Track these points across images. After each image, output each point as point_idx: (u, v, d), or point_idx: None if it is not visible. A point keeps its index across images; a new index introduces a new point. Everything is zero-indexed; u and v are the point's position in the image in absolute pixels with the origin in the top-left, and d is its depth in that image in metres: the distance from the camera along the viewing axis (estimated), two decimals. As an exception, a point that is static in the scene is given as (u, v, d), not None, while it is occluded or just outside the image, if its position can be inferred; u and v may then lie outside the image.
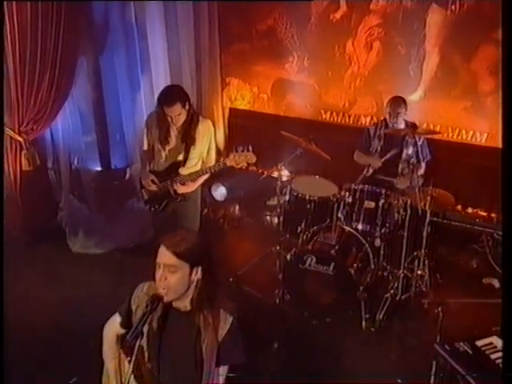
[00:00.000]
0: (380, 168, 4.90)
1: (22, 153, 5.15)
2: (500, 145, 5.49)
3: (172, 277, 2.03)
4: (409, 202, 4.42)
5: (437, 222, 4.89)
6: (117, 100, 5.55)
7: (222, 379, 2.12)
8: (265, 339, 4.04)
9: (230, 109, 6.98)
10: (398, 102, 4.77)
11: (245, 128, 6.71)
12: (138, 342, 1.98)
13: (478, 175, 5.57)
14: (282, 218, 4.88)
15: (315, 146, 4.53)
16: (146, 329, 2.07)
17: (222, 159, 4.02)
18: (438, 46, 5.59)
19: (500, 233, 5.32)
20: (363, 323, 4.28)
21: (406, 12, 5.60)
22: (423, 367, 3.29)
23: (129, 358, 2.16)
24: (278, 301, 4.48)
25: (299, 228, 4.70)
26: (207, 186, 5.89)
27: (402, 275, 4.52)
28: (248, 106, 6.81)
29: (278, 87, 6.53)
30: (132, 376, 2.08)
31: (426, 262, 4.68)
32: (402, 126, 4.77)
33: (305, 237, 4.61)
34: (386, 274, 4.72)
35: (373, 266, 4.47)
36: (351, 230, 4.47)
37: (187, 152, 4.17)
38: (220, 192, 6.40)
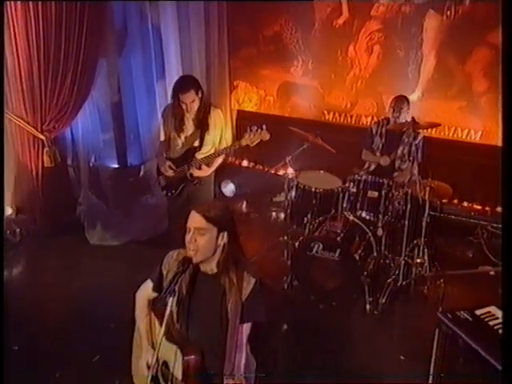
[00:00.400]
0: (380, 164, 5.03)
1: (44, 150, 5.26)
2: (494, 142, 5.70)
3: (201, 239, 2.16)
4: (410, 192, 4.55)
5: (434, 216, 4.96)
6: (133, 100, 5.71)
7: (245, 336, 2.24)
8: (275, 322, 4.15)
9: (238, 111, 7.10)
10: (402, 99, 4.91)
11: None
12: (171, 300, 2.13)
13: (473, 171, 5.71)
14: (289, 211, 4.99)
15: (321, 140, 4.67)
16: (176, 292, 2.21)
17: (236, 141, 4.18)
18: (435, 50, 5.74)
19: (494, 225, 5.47)
20: (367, 306, 4.38)
21: (404, 17, 5.76)
22: (423, 346, 3.42)
23: (160, 320, 2.34)
24: (286, 286, 4.57)
25: (305, 219, 4.81)
26: (217, 183, 6.03)
27: (403, 262, 4.61)
28: (255, 107, 6.95)
29: (284, 90, 6.65)
30: (162, 339, 2.21)
31: (426, 250, 4.74)
32: (403, 117, 4.86)
33: (311, 227, 4.72)
34: (387, 261, 4.81)
35: (375, 254, 4.60)
36: (355, 220, 4.59)
37: (202, 138, 4.32)
38: (229, 188, 6.52)
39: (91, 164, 5.82)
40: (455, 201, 5.86)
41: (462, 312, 2.80)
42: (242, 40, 6.60)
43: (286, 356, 3.89)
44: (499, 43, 5.31)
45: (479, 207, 5.86)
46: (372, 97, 6.19)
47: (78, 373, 3.54)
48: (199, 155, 4.34)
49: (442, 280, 3.75)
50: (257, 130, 4.01)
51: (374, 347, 4.01)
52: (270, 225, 6.08)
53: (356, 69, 6.19)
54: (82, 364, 3.61)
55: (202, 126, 4.31)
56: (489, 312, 2.81)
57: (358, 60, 6.15)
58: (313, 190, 4.74)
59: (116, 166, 5.99)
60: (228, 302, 2.19)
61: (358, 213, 4.54)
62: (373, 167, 5.07)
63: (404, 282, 4.61)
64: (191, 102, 4.18)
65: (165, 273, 2.33)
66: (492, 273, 4.94)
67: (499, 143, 5.64)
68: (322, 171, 5.06)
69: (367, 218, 4.63)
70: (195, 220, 2.17)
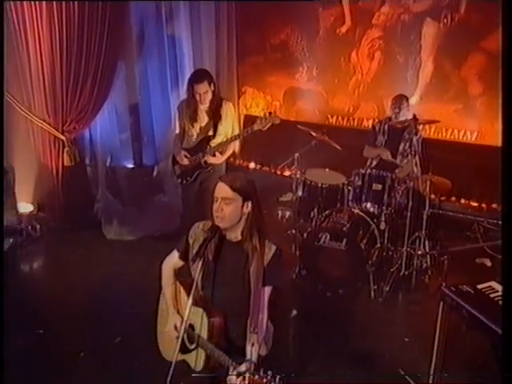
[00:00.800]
0: (381, 160, 5.12)
1: (65, 150, 5.34)
2: (489, 142, 5.83)
3: (227, 207, 2.27)
4: (411, 186, 4.65)
5: (434, 212, 5.02)
6: (148, 103, 5.84)
7: (266, 298, 2.33)
8: (285, 310, 4.22)
9: (246, 115, 7.20)
10: (402, 97, 5.03)
11: (259, 133, 6.87)
12: (200, 263, 2.26)
13: (469, 170, 5.81)
14: (297, 206, 5.10)
15: (327, 137, 4.80)
16: (204, 256, 2.33)
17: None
18: (432, 55, 5.89)
19: (490, 221, 5.60)
20: (372, 294, 4.46)
21: (403, 25, 5.92)
22: (426, 329, 3.49)
23: (185, 288, 2.47)
24: (294, 276, 4.64)
25: (312, 213, 4.94)
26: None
27: (405, 253, 4.70)
28: (262, 112, 7.05)
29: (290, 95, 6.77)
30: (190, 303, 2.32)
31: (426, 242, 4.83)
32: (404, 116, 4.97)
33: (318, 222, 4.81)
34: (390, 252, 4.87)
35: (379, 245, 4.67)
36: (360, 213, 4.69)
37: (215, 128, 4.47)
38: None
39: (108, 164, 5.93)
40: (453, 198, 5.97)
41: (464, 286, 2.92)
42: (250, 48, 6.73)
43: (296, 341, 3.99)
44: (494, 48, 5.47)
45: (476, 204, 5.98)
46: (373, 100, 6.32)
47: (101, 353, 3.64)
48: (213, 144, 4.48)
49: (445, 257, 3.87)
50: (269, 115, 4.21)
51: (379, 330, 4.10)
52: (277, 222, 6.18)
53: (358, 74, 6.33)
54: (104, 345, 3.71)
55: (215, 116, 4.46)
56: (489, 286, 2.92)
57: (360, 66, 6.28)
58: (319, 185, 4.86)
59: (131, 165, 6.10)
60: (251, 267, 2.29)
61: (363, 204, 4.65)
62: (374, 163, 5.17)
63: (406, 272, 4.69)
64: (204, 93, 4.35)
65: (191, 242, 2.43)
66: (489, 264, 5.11)
67: (494, 143, 5.80)
68: (327, 169, 5.16)
69: (371, 210, 4.73)
70: (222, 190, 2.28)
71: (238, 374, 2.07)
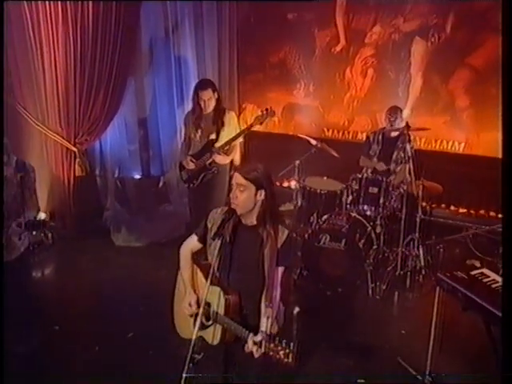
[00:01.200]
0: (376, 169, 5.28)
1: (76, 161, 5.42)
2: (475, 152, 5.99)
3: (241, 195, 2.40)
4: (405, 190, 4.78)
5: (425, 219, 5.09)
6: (156, 117, 5.99)
7: (279, 277, 2.46)
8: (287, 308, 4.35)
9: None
10: (396, 108, 5.23)
11: (259, 147, 6.94)
12: (218, 244, 2.39)
13: (458, 178, 5.92)
14: (297, 212, 5.21)
15: (326, 145, 4.95)
16: (219, 243, 2.45)
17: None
18: (422, 71, 6.04)
19: (478, 226, 5.73)
20: (370, 292, 4.59)
21: (394, 44, 6.07)
22: (421, 323, 3.69)
23: (202, 270, 2.59)
24: (296, 277, 4.73)
25: (312, 218, 5.09)
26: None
27: (400, 254, 4.83)
28: (261, 128, 7.14)
29: (288, 110, 6.85)
30: (208, 283, 2.42)
31: (420, 244, 4.92)
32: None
33: (317, 226, 4.91)
34: (386, 254, 4.98)
35: (376, 246, 4.80)
36: (357, 216, 4.84)
37: (218, 133, 4.62)
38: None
39: (116, 175, 6.06)
40: (443, 205, 6.11)
41: (458, 272, 3.06)
42: (250, 66, 6.82)
43: (299, 336, 4.10)
44: (479, 63, 5.72)
45: (465, 210, 6.11)
46: (367, 115, 6.44)
47: (115, 347, 3.74)
48: (217, 145, 4.62)
49: (441, 245, 4.01)
50: (265, 111, 4.45)
51: (378, 324, 4.24)
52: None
53: (352, 90, 6.45)
54: (118, 340, 3.81)
55: (218, 123, 4.64)
56: (482, 273, 3.07)
57: (354, 82, 6.41)
58: (318, 191, 5.00)
59: (138, 176, 6.22)
60: (265, 249, 2.42)
61: (361, 207, 4.78)
62: (370, 171, 5.31)
63: (402, 272, 4.82)
64: (208, 99, 4.54)
65: (209, 226, 2.55)
66: (478, 265, 5.23)
67: (480, 153, 5.98)
68: (325, 177, 5.28)
69: (368, 213, 4.86)
70: (237, 178, 2.43)
71: (255, 343, 2.19)
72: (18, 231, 3.42)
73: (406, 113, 6.07)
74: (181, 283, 2.69)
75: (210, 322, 2.46)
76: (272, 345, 2.13)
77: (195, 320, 2.47)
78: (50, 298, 4.46)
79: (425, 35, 5.91)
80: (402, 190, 4.88)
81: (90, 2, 4.85)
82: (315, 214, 5.06)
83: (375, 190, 4.72)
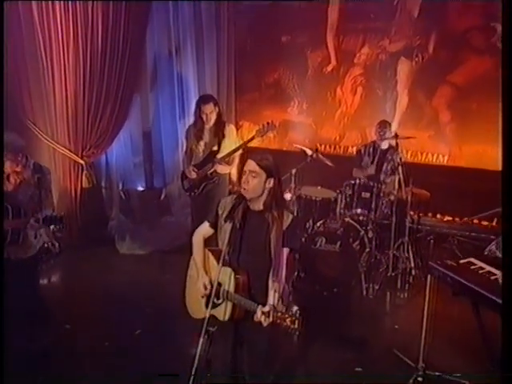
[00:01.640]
0: (368, 177, 5.43)
1: (83, 173, 5.49)
2: (458, 164, 6.17)
3: (253, 180, 2.53)
4: (395, 196, 4.94)
5: (412, 227, 5.24)
6: (159, 130, 6.13)
7: (285, 257, 2.58)
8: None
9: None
10: (385, 122, 5.40)
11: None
12: (229, 227, 2.53)
13: (442, 188, 6.04)
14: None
15: (320, 155, 5.11)
16: (229, 227, 2.59)
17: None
18: (407, 89, 6.22)
19: (463, 233, 5.91)
20: (364, 291, 4.71)
21: (381, 64, 6.27)
22: (412, 318, 3.82)
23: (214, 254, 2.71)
24: (294, 279, 4.74)
25: (308, 224, 5.23)
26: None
27: (392, 256, 4.96)
28: (257, 144, 7.28)
29: (282, 127, 6.88)
30: (220, 264, 2.56)
31: (410, 247, 5.08)
32: (386, 141, 5.36)
33: (314, 231, 5.00)
34: (378, 257, 5.09)
35: (368, 250, 4.91)
36: (350, 221, 4.98)
37: (219, 144, 4.75)
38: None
39: (121, 186, 6.16)
40: (430, 214, 6.26)
41: (448, 261, 3.21)
42: (246, 86, 6.95)
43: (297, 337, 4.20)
44: (460, 80, 5.96)
45: (450, 218, 6.25)
46: (357, 130, 6.59)
47: (124, 343, 3.82)
48: (219, 156, 4.75)
49: (432, 236, 4.17)
50: (266, 125, 4.57)
51: (372, 320, 4.35)
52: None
53: (343, 107, 6.60)
54: (126, 337, 3.90)
55: (219, 135, 4.78)
56: (469, 261, 3.21)
57: (345, 100, 6.57)
58: (313, 198, 5.12)
59: (142, 188, 6.32)
60: (271, 232, 2.55)
61: (354, 211, 4.91)
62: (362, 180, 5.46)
63: (393, 273, 4.95)
64: (210, 113, 4.69)
65: (220, 212, 2.68)
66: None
67: (463, 165, 6.16)
68: (319, 187, 5.39)
69: (361, 218, 5.00)
70: (250, 165, 2.56)
71: (263, 313, 2.31)
72: (36, 227, 3.49)
73: (393, 127, 6.24)
74: (193, 268, 2.80)
75: (221, 301, 2.57)
76: (279, 313, 2.26)
77: (207, 300, 2.60)
78: (59, 300, 4.53)
79: (409, 55, 6.12)
80: (392, 198, 5.02)
81: (100, 22, 5.05)
82: (311, 221, 5.19)
83: (367, 194, 4.86)
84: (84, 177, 5.56)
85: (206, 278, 2.66)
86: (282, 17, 6.51)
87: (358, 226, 4.95)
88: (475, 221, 6.07)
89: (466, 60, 5.96)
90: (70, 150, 5.42)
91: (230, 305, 2.54)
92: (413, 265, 5.02)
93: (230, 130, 4.95)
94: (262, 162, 2.56)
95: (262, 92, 6.99)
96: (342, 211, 4.99)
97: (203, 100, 4.82)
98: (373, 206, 4.88)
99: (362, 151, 5.61)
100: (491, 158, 6.00)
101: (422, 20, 6.03)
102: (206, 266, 2.72)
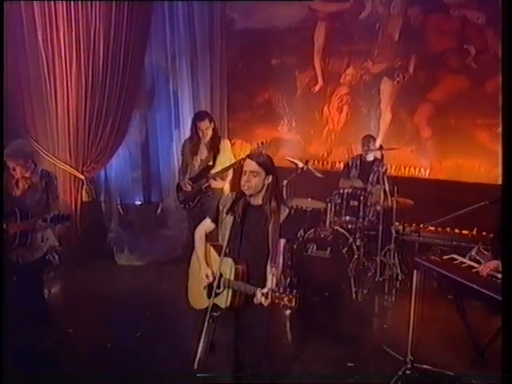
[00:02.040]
0: (355, 188, 5.58)
1: (84, 188, 5.54)
2: (439, 177, 6.35)
3: (254, 179, 2.67)
4: (381, 205, 5.11)
5: (397, 238, 5.35)
6: (156, 146, 6.25)
7: (281, 247, 2.72)
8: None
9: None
10: (370, 136, 5.61)
11: None
12: (230, 221, 2.66)
13: (425, 200, 6.23)
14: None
15: (311, 167, 5.25)
16: (230, 221, 2.73)
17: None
18: (390, 107, 6.41)
19: (445, 242, 6.05)
20: (353, 295, 4.83)
21: (365, 83, 6.46)
22: (399, 318, 3.96)
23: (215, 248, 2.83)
24: (287, 285, 4.82)
25: (299, 233, 5.35)
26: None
27: (379, 262, 5.12)
28: None
29: (273, 144, 6.84)
30: (222, 255, 2.69)
31: (396, 254, 5.25)
32: (371, 153, 5.56)
33: (305, 238, 5.09)
34: (366, 264, 5.21)
35: (356, 256, 5.04)
36: (339, 229, 5.10)
37: (214, 159, 4.87)
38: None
39: (119, 200, 6.23)
40: (413, 225, 6.40)
41: (432, 256, 3.38)
42: (239, 105, 7.05)
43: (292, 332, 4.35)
44: (438, 98, 6.18)
45: (433, 228, 6.40)
46: (344, 146, 6.72)
47: (125, 344, 3.90)
48: (213, 171, 4.87)
49: (418, 233, 4.33)
50: (261, 144, 4.68)
51: (362, 320, 4.50)
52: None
53: (330, 124, 6.74)
54: (128, 339, 3.98)
55: (214, 150, 4.89)
56: (452, 257, 3.38)
57: (332, 117, 6.72)
58: (304, 208, 5.25)
59: (139, 202, 6.41)
60: (270, 225, 2.69)
61: (343, 218, 5.06)
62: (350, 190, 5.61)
63: (381, 278, 5.10)
64: (206, 129, 4.81)
65: (221, 208, 2.81)
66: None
67: (443, 178, 6.33)
68: (309, 199, 5.49)
69: (349, 226, 5.15)
70: (250, 165, 2.69)
71: (263, 295, 2.44)
72: (43, 226, 3.57)
73: (377, 142, 6.43)
74: (195, 262, 2.92)
75: (222, 289, 2.68)
76: (277, 293, 2.39)
77: (209, 290, 2.72)
78: (60, 308, 4.61)
79: (391, 75, 6.33)
80: (378, 208, 5.18)
81: (102, 44, 5.20)
82: (302, 231, 5.31)
83: (355, 203, 5.03)
84: (84, 191, 5.60)
85: (208, 269, 2.78)
86: (272, 40, 6.68)
87: (347, 234, 5.09)
88: (456, 230, 6.23)
89: (444, 79, 6.20)
90: (71, 166, 5.48)
91: (230, 292, 2.66)
92: (399, 270, 5.16)
93: (225, 144, 5.09)
94: (261, 160, 2.72)
95: (254, 111, 7.09)
96: (331, 219, 5.13)
97: (199, 117, 4.95)
98: (360, 214, 5.03)
99: (350, 164, 5.79)
100: (469, 170, 6.26)
101: (402, 43, 6.27)
102: (208, 259, 2.84)
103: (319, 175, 5.29)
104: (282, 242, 2.72)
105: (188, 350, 3.24)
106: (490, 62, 5.89)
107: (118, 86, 5.41)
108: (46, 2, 5.07)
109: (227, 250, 2.73)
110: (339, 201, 5.08)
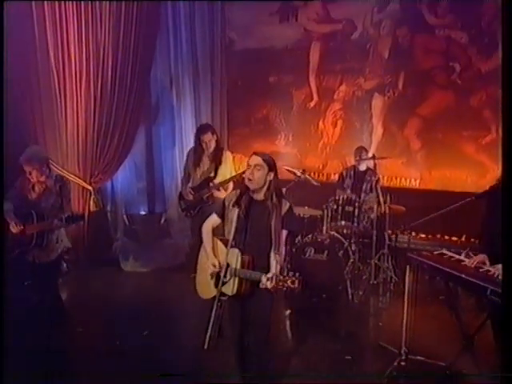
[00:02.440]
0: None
1: (91, 198, 5.62)
2: (428, 187, 6.52)
3: (257, 173, 2.82)
4: (375, 212, 5.27)
5: (390, 245, 5.50)
6: (160, 158, 6.40)
7: (284, 238, 2.86)
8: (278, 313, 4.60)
9: (235, 176, 7.68)
10: (362, 148, 5.80)
11: None
12: (237, 211, 2.80)
13: (416, 209, 6.40)
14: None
15: (308, 176, 5.40)
16: (236, 217, 2.86)
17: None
18: (381, 121, 6.61)
19: (436, 249, 6.15)
20: (349, 297, 4.94)
21: (358, 99, 6.67)
22: (394, 317, 4.07)
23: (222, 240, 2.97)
24: (285, 288, 5.06)
25: (297, 239, 5.48)
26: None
27: (374, 266, 5.26)
28: None
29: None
30: (229, 246, 2.83)
31: (389, 258, 5.40)
32: (364, 163, 5.73)
33: (303, 243, 5.19)
34: (361, 267, 5.37)
35: (352, 260, 5.15)
36: (335, 234, 5.24)
37: (216, 170, 4.99)
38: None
39: (124, 211, 6.34)
40: (405, 232, 6.55)
41: (423, 252, 3.53)
42: (238, 121, 7.20)
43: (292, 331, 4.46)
44: (427, 112, 6.40)
45: (424, 236, 6.55)
46: (338, 159, 6.89)
47: (133, 341, 4.00)
48: (216, 181, 4.98)
49: (409, 230, 4.47)
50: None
51: (359, 318, 4.62)
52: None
53: (325, 138, 6.92)
54: (135, 336, 4.08)
55: (216, 161, 5.01)
56: (442, 253, 3.52)
57: (326, 132, 6.90)
58: (301, 215, 5.39)
59: (144, 212, 6.53)
60: (272, 218, 2.84)
61: (339, 223, 5.19)
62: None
63: (375, 281, 5.24)
64: (209, 141, 4.94)
65: (227, 204, 2.95)
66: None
67: (432, 188, 6.51)
68: (306, 207, 5.63)
69: (345, 231, 5.29)
70: (256, 159, 2.85)
71: (267, 279, 2.57)
72: (58, 225, 3.70)
73: (370, 155, 6.64)
74: (203, 255, 3.05)
75: (228, 278, 2.81)
76: (281, 277, 2.52)
77: (216, 280, 2.85)
78: (71, 307, 4.67)
79: (382, 91, 6.56)
80: (371, 214, 5.33)
81: (110, 61, 5.38)
82: (299, 237, 5.44)
83: (350, 208, 5.18)
84: (92, 201, 5.68)
85: (215, 259, 2.91)
86: (269, 59, 6.88)
87: (342, 239, 5.22)
88: (446, 237, 6.37)
89: (431, 95, 6.44)
90: (79, 177, 5.59)
91: (236, 280, 2.78)
92: (393, 273, 5.28)
93: (227, 156, 5.21)
94: (265, 157, 2.88)
95: (252, 126, 7.24)
96: (328, 225, 5.26)
97: (202, 129, 5.08)
98: (355, 219, 5.18)
99: (344, 174, 5.95)
100: (457, 180, 6.44)
101: (391, 61, 6.51)
102: (215, 251, 2.97)
103: (316, 183, 5.43)
104: (284, 232, 2.86)
105: (190, 349, 3.51)
106: (473, 78, 6.17)
107: (124, 101, 5.55)
108: (57, 21, 5.24)
109: (233, 243, 2.85)
110: (335, 207, 5.22)
